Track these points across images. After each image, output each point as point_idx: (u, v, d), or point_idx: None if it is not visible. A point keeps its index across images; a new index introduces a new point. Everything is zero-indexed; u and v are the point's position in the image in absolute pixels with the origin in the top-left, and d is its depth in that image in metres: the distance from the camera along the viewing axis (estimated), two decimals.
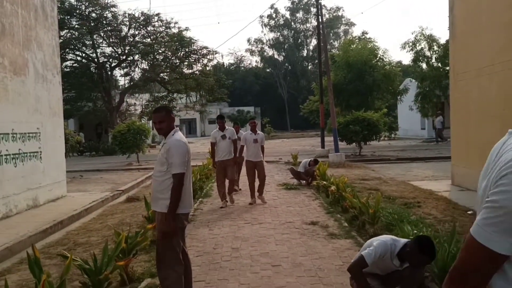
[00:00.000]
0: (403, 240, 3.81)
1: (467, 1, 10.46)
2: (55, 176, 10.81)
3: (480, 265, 1.21)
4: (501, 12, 8.66)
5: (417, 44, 26.98)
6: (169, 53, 32.06)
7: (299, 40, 70.23)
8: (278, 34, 69.88)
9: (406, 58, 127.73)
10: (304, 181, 12.16)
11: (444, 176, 12.11)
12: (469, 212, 7.58)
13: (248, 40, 71.08)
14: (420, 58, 27.34)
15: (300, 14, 69.12)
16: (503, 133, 1.34)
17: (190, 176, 4.23)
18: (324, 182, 10.27)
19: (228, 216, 8.51)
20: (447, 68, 19.44)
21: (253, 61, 74.87)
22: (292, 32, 69.76)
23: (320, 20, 22.00)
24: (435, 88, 26.28)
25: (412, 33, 34.37)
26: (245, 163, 10.07)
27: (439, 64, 26.33)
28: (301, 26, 69.73)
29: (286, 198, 10.25)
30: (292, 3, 68.23)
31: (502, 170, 1.18)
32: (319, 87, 23.01)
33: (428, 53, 27.03)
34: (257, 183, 9.69)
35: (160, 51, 32.33)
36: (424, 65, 27.79)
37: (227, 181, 9.75)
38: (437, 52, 26.55)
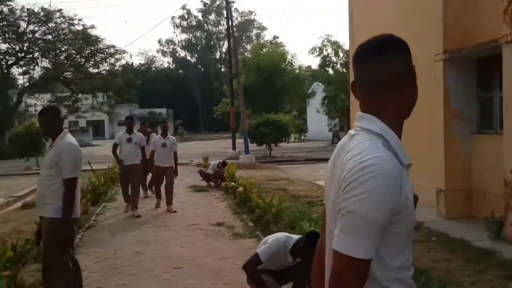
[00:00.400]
0: (296, 237, 3.95)
1: (365, 11, 11.14)
2: None
3: (340, 270, 1.20)
4: (398, 22, 9.30)
5: (324, 50, 28.29)
6: (73, 51, 30.47)
7: (212, 42, 70.11)
8: (191, 35, 69.17)
9: (316, 63, 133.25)
10: (213, 183, 12.17)
11: None
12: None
13: (159, 41, 69.52)
14: (327, 63, 28.68)
15: (212, 16, 69.04)
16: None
17: (80, 181, 4.03)
18: (233, 184, 10.36)
19: (133, 220, 8.25)
20: None
21: (165, 62, 73.03)
22: (205, 34, 69.41)
23: (230, 23, 22.21)
24: (341, 92, 27.69)
25: (319, 39, 35.96)
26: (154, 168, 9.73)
27: (344, 70, 27.79)
28: (214, 28, 69.65)
29: (194, 200, 10.19)
30: (204, 5, 67.91)
31: (345, 179, 1.22)
32: (230, 90, 23.21)
33: (334, 59, 28.45)
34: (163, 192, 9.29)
35: (63, 49, 30.62)
36: (330, 70, 29.20)
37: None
38: (342, 58, 28.02)
